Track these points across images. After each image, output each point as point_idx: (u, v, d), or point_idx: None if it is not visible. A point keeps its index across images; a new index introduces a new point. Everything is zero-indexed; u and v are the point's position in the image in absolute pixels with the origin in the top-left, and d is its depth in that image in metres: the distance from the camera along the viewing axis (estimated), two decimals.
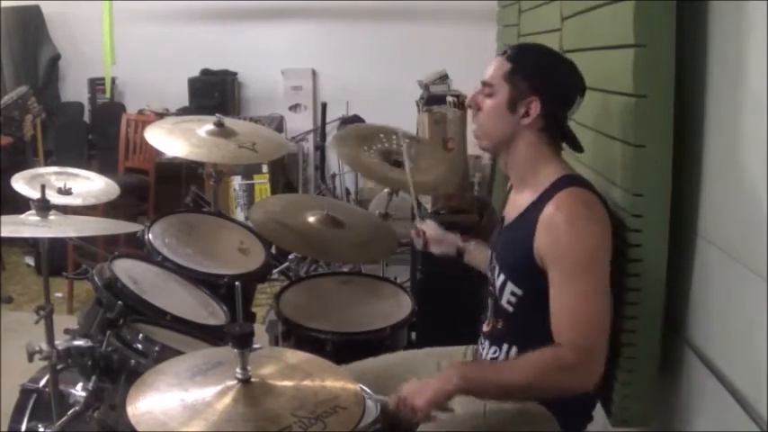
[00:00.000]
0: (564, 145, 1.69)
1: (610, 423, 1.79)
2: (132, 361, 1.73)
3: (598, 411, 1.81)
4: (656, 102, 1.54)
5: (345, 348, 2.03)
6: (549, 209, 1.55)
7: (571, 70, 1.65)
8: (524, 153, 1.65)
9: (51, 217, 1.88)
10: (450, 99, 3.32)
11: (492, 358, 1.69)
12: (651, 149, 1.57)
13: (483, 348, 1.75)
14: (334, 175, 5.07)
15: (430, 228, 2.11)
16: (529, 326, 1.59)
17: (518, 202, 1.68)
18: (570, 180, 1.60)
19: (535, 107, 1.59)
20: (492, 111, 1.64)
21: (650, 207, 1.60)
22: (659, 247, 1.61)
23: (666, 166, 1.58)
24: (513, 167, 1.70)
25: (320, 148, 4.83)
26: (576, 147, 1.68)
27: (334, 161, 4.99)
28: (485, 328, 1.76)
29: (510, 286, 1.63)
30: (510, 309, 1.65)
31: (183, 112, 4.88)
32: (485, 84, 1.65)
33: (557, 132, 1.64)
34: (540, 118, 1.61)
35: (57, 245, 3.29)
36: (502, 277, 1.66)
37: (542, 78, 1.61)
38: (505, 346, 1.67)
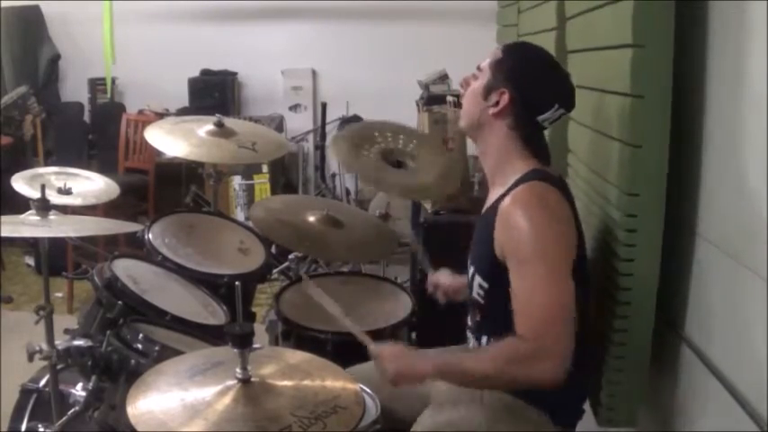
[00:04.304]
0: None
1: (597, 422, 1.78)
2: (132, 361, 1.73)
3: (588, 412, 1.81)
4: (653, 102, 1.54)
5: (345, 348, 2.02)
6: (506, 202, 1.58)
7: (557, 80, 1.66)
8: (494, 146, 1.68)
9: (51, 217, 1.89)
10: (450, 99, 3.32)
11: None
12: (647, 150, 1.56)
13: (469, 342, 1.77)
14: (334, 175, 5.07)
15: (444, 277, 2.06)
16: (500, 318, 1.58)
17: (491, 196, 1.71)
18: (534, 174, 1.61)
19: (504, 99, 1.63)
20: (471, 92, 1.71)
21: (645, 207, 1.59)
22: (653, 247, 1.60)
23: (662, 166, 1.57)
24: (484, 159, 1.74)
25: (320, 148, 4.83)
26: (542, 156, 1.67)
27: (334, 161, 4.99)
28: (469, 321, 1.79)
29: (478, 279, 1.66)
30: (481, 301, 1.67)
31: (183, 112, 4.88)
32: (477, 67, 1.72)
33: (527, 135, 1.64)
34: (511, 115, 1.64)
35: (57, 245, 3.29)
36: (471, 270, 1.70)
37: (519, 76, 1.65)
38: (484, 338, 1.70)
